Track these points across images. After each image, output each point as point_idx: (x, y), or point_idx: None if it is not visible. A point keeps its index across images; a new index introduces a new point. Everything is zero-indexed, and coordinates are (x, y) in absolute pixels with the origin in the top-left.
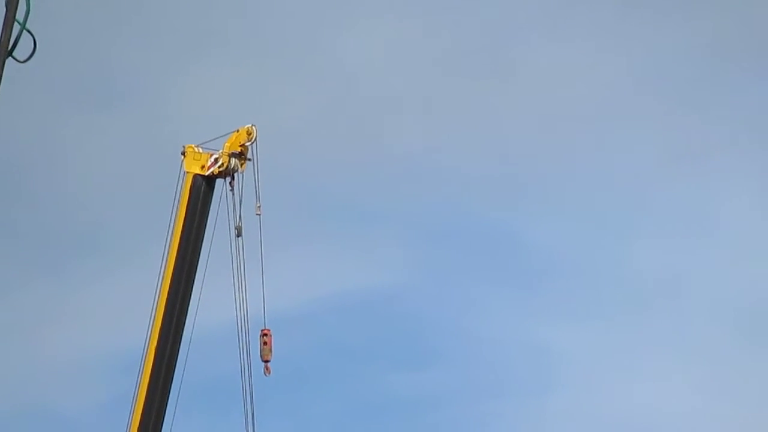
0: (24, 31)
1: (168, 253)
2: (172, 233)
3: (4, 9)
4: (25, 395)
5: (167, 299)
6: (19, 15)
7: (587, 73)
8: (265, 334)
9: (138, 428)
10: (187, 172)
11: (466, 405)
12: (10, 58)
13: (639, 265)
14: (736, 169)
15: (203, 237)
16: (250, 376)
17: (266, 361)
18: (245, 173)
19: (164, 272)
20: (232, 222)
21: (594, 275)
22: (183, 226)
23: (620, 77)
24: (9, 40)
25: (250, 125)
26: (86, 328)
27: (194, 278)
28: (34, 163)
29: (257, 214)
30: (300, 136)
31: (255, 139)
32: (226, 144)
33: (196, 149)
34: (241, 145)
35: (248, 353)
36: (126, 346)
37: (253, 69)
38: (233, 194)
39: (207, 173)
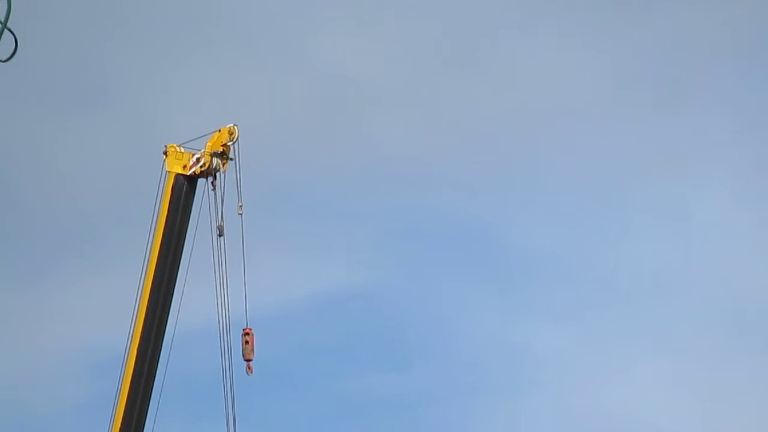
0: (5, 30)
1: (150, 252)
2: (154, 233)
3: None
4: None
5: (149, 298)
6: (0, 15)
7: (569, 72)
8: (247, 333)
9: (120, 426)
10: (169, 172)
11: (445, 404)
12: None
13: (618, 264)
14: (716, 167)
15: (185, 236)
16: (231, 376)
17: (248, 360)
18: (227, 173)
19: (146, 271)
20: (213, 221)
21: (573, 274)
22: (165, 225)
23: (604, 75)
24: None
25: (231, 125)
26: (66, 328)
27: (176, 277)
28: (16, 162)
29: (239, 213)
30: (278, 136)
31: (237, 138)
32: (208, 143)
33: (177, 149)
34: (223, 145)
35: (230, 352)
36: (102, 345)
37: (235, 69)
38: (215, 194)
39: (189, 173)
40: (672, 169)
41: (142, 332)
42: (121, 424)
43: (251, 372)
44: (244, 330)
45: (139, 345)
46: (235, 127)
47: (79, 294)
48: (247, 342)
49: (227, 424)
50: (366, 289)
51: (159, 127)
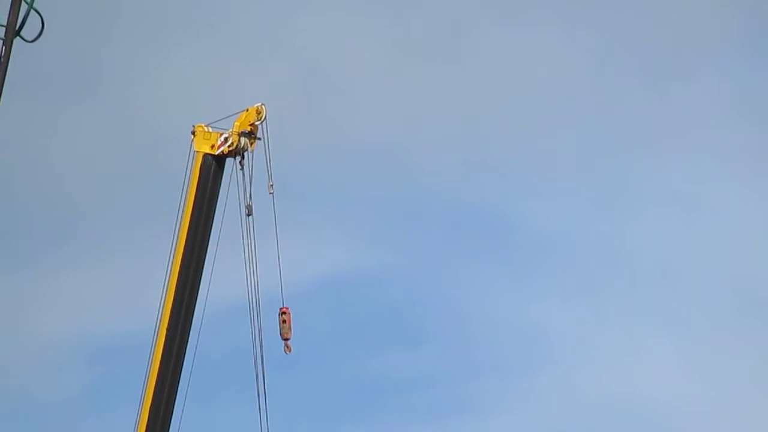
0: (31, 10)
1: (179, 232)
2: (182, 212)
3: None
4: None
5: (178, 278)
6: None
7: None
8: (284, 312)
9: (150, 405)
10: (197, 152)
11: (459, 384)
12: (18, 38)
13: (629, 243)
14: (720, 149)
15: (214, 216)
16: (262, 354)
17: (286, 339)
18: (255, 152)
19: (175, 251)
20: (242, 201)
21: (585, 254)
22: (193, 205)
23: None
24: (17, 20)
25: (259, 104)
26: (60, 316)
27: (205, 257)
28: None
29: (270, 193)
30: (279, 121)
31: (265, 117)
32: (236, 123)
33: (206, 128)
34: (250, 124)
35: (260, 331)
36: (98, 334)
37: (222, 58)
38: (243, 173)
39: (217, 152)
40: (675, 151)
41: (171, 312)
42: (151, 403)
43: (290, 351)
44: (280, 309)
45: (168, 324)
46: (263, 107)
47: (73, 282)
48: (284, 321)
49: (258, 402)
50: (376, 271)
51: (151, 117)
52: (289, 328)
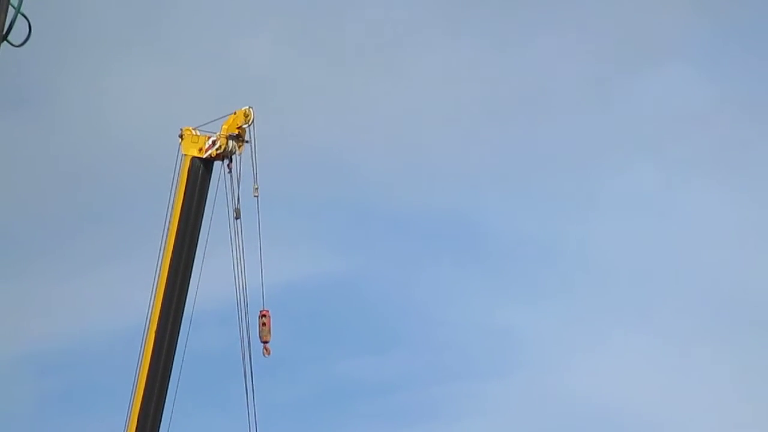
0: (18, 14)
1: (167, 235)
2: (170, 216)
3: None
4: None
5: (167, 281)
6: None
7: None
8: (264, 315)
9: (140, 407)
10: (185, 155)
11: (428, 388)
12: (5, 42)
13: (598, 245)
14: (690, 149)
15: (202, 219)
16: (250, 356)
17: (265, 342)
18: (242, 155)
19: (163, 254)
20: (230, 204)
21: (554, 256)
22: (181, 208)
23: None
24: (3, 24)
25: (247, 107)
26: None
27: (193, 260)
28: None
29: (255, 196)
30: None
31: (252, 121)
32: (224, 126)
33: (193, 132)
34: (238, 128)
35: (248, 333)
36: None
37: (170, 68)
38: (231, 177)
39: (205, 156)
40: (642, 151)
41: (160, 314)
42: (142, 401)
43: (268, 354)
44: (261, 312)
45: (157, 328)
46: (251, 110)
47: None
48: (264, 324)
49: (247, 402)
50: (344, 277)
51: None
52: (269, 330)
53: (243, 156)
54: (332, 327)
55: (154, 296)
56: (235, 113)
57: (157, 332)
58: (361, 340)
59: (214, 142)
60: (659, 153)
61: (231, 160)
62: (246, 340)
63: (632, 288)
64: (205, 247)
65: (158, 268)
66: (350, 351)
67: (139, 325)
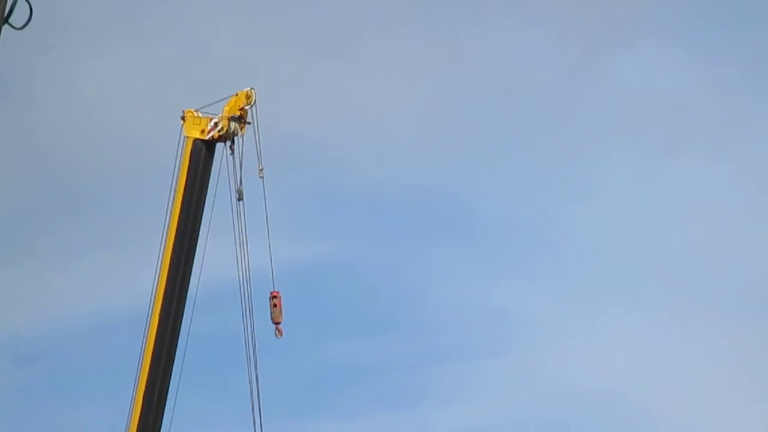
0: None
1: (170, 217)
2: (173, 198)
3: None
4: None
5: (170, 263)
6: None
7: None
8: (275, 296)
9: (145, 387)
10: (187, 137)
11: (422, 369)
12: (6, 25)
13: (591, 225)
14: (676, 127)
15: (205, 201)
16: (253, 336)
17: (277, 323)
18: (245, 137)
19: (167, 236)
20: (233, 186)
21: (546, 237)
22: (184, 190)
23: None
24: (5, 7)
25: (249, 89)
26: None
27: (197, 241)
28: None
29: (260, 177)
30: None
31: (254, 102)
32: (226, 108)
33: (195, 114)
34: (240, 109)
35: (251, 314)
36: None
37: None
38: (233, 158)
39: (207, 137)
40: (631, 131)
41: (164, 296)
42: (146, 384)
43: (281, 335)
44: (271, 293)
45: (161, 308)
46: (252, 91)
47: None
48: (275, 305)
49: (250, 384)
50: (338, 261)
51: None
52: (280, 311)
53: (246, 137)
54: (325, 310)
55: (158, 280)
56: (237, 94)
57: (161, 315)
58: (354, 323)
59: (216, 124)
60: (640, 135)
61: (233, 142)
62: (250, 323)
63: (623, 268)
64: (208, 229)
65: (161, 252)
66: (343, 334)
67: (142, 309)
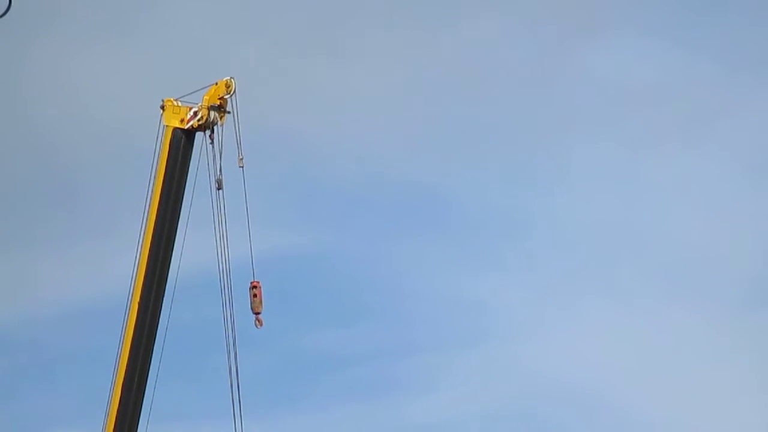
0: None
1: (149, 206)
2: (153, 187)
3: None
4: None
5: (149, 252)
6: None
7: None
8: (255, 287)
9: (124, 376)
10: (167, 126)
11: (397, 360)
12: None
13: (566, 216)
14: (654, 118)
15: (184, 190)
16: (233, 327)
17: (257, 313)
18: (225, 126)
19: (146, 225)
20: (212, 175)
21: (521, 228)
22: (164, 179)
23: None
24: None
25: (228, 78)
26: None
27: (176, 230)
28: None
29: (240, 167)
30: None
31: (234, 91)
32: (205, 97)
33: (175, 103)
34: (220, 98)
35: (231, 304)
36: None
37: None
38: (213, 147)
39: (186, 126)
40: (608, 123)
41: (143, 286)
42: (125, 374)
43: (261, 325)
44: (251, 283)
45: (140, 298)
46: (232, 80)
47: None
48: (255, 295)
49: (230, 373)
50: (313, 251)
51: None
52: (260, 302)
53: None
54: (300, 300)
55: (137, 269)
56: (216, 84)
57: (140, 305)
58: (329, 313)
59: (195, 113)
60: (617, 125)
61: (213, 131)
62: (229, 313)
63: (599, 259)
64: (188, 219)
65: (140, 241)
66: (318, 324)
67: (121, 297)
